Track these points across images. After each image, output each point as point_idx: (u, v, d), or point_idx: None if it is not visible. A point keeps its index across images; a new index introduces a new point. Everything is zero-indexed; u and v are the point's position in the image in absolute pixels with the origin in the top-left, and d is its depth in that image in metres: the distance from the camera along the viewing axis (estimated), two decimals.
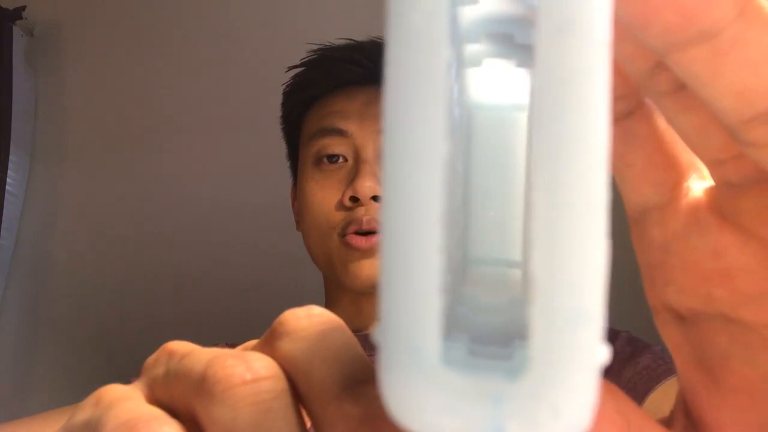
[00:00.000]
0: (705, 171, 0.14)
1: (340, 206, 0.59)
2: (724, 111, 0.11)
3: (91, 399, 0.16)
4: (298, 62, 0.67)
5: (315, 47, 0.66)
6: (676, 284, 0.14)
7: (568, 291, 0.09)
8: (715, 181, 0.14)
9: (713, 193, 0.14)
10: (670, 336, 0.15)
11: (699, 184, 0.14)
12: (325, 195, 0.60)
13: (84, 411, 0.15)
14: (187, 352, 0.16)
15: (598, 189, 0.09)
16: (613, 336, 0.57)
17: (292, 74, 0.67)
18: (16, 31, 1.05)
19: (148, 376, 0.16)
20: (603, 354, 0.09)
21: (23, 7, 1.04)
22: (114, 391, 0.16)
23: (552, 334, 0.09)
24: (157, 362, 0.16)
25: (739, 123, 0.11)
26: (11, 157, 1.01)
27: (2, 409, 0.98)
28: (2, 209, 0.99)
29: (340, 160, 0.61)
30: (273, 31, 1.03)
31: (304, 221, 0.64)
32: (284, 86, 0.68)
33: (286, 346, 0.15)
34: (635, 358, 0.53)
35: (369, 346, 0.60)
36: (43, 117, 1.08)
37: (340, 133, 0.61)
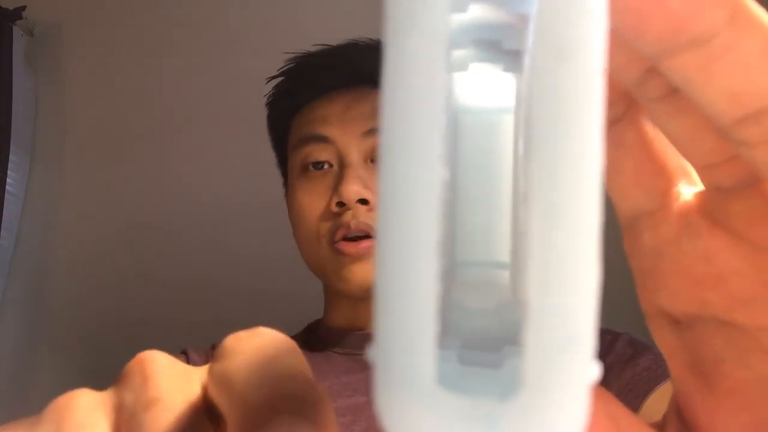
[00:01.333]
0: (695, 176, 0.14)
1: (328, 213, 0.59)
2: (717, 113, 0.11)
3: (52, 415, 0.15)
4: (275, 73, 0.67)
5: (291, 56, 0.66)
6: (669, 289, 0.14)
7: (560, 316, 0.09)
8: (705, 185, 0.14)
9: (703, 198, 0.14)
10: (664, 340, 0.15)
11: (689, 189, 0.14)
12: (312, 202, 0.60)
13: (43, 429, 0.15)
14: (151, 377, 0.15)
15: (592, 216, 0.09)
16: (613, 338, 0.57)
17: (273, 84, 0.67)
18: (16, 31, 1.05)
19: (118, 396, 0.16)
20: (594, 372, 0.09)
21: (23, 7, 1.04)
22: (77, 414, 0.15)
23: (545, 357, 0.09)
24: (130, 381, 0.16)
25: (732, 124, 0.11)
26: (11, 157, 1.01)
27: (2, 409, 0.98)
28: (2, 209, 0.99)
29: (326, 166, 0.61)
30: (274, 31, 1.03)
31: (295, 230, 0.64)
32: (266, 97, 0.68)
33: (219, 367, 0.15)
34: (635, 359, 0.53)
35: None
36: (43, 117, 1.09)
37: (323, 139, 0.60)
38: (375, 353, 0.10)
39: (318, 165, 0.61)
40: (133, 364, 0.16)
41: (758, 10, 0.11)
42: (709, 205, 0.13)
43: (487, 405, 0.09)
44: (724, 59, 0.10)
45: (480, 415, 0.09)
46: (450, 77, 0.11)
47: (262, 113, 0.97)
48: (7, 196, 1.00)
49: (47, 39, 1.10)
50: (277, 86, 0.67)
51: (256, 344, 0.15)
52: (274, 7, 1.04)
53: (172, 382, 0.15)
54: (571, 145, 0.09)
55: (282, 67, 0.66)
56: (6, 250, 1.02)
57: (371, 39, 0.63)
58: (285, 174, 0.69)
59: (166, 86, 1.05)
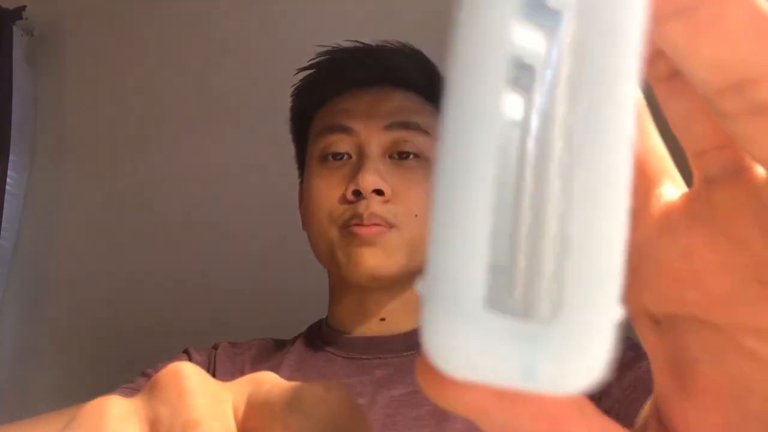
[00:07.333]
0: (678, 178, 0.15)
1: (343, 200, 0.60)
2: (701, 82, 0.12)
3: (84, 421, 0.15)
4: (306, 64, 0.68)
5: (324, 49, 0.67)
6: (651, 288, 0.15)
7: (597, 254, 0.10)
8: (695, 175, 0.14)
9: (686, 196, 0.14)
10: (648, 340, 0.16)
11: (671, 190, 0.15)
12: (329, 190, 0.61)
13: None
14: (187, 395, 0.16)
15: (625, 172, 0.10)
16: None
17: (302, 76, 0.69)
18: (16, 31, 1.05)
19: (152, 408, 0.16)
20: (619, 313, 0.10)
21: (23, 7, 1.05)
22: (110, 423, 0.15)
23: (582, 286, 0.10)
24: (164, 394, 0.16)
25: (714, 93, 0.12)
26: (11, 157, 1.01)
27: (2, 409, 0.98)
28: (2, 209, 0.99)
29: (345, 157, 0.62)
30: (274, 33, 1.03)
31: (308, 216, 0.64)
32: (293, 87, 0.69)
33: (296, 423, 0.16)
34: (636, 362, 0.54)
35: (373, 348, 0.60)
36: (43, 117, 1.09)
37: (346, 130, 0.62)
38: (424, 285, 0.10)
39: (338, 156, 0.62)
40: (166, 375, 0.16)
41: None
42: (693, 200, 0.14)
43: (530, 327, 0.10)
44: (710, 29, 0.11)
45: (521, 336, 0.10)
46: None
47: (264, 114, 0.97)
48: (7, 196, 1.00)
49: (47, 39, 1.11)
50: (305, 78, 0.68)
51: (335, 410, 0.16)
52: (275, 9, 1.04)
53: (208, 402, 0.16)
54: (609, 118, 0.10)
55: (312, 59, 0.68)
56: (6, 250, 1.02)
57: (399, 42, 0.66)
58: (301, 166, 0.70)
59: (166, 86, 1.06)
